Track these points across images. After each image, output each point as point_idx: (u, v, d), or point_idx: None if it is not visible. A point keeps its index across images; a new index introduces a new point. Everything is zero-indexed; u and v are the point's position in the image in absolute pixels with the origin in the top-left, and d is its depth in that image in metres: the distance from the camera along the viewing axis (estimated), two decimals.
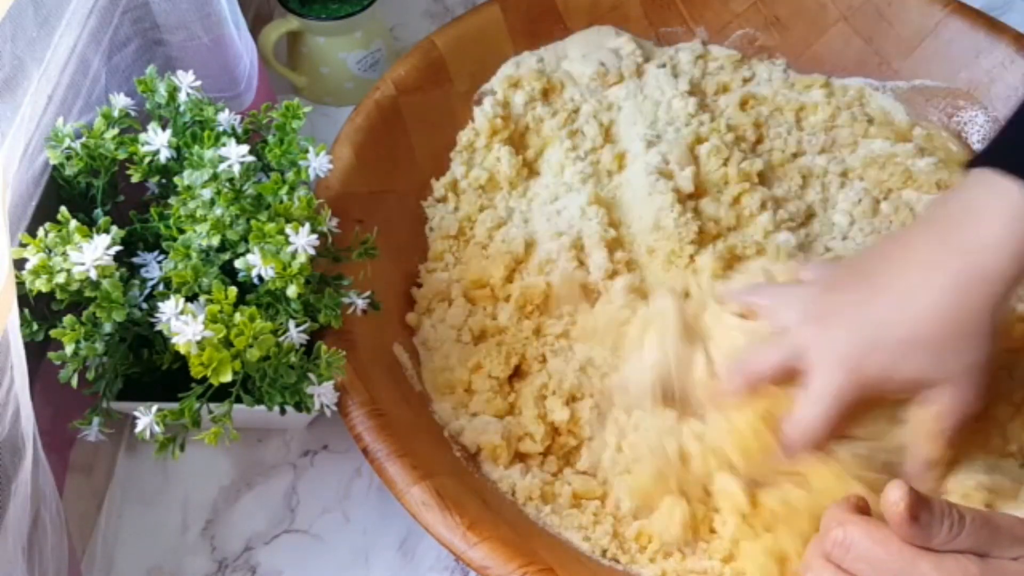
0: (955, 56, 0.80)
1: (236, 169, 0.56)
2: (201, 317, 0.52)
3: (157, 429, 0.54)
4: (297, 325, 0.55)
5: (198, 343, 0.51)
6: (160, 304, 0.53)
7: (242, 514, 0.66)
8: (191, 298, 0.55)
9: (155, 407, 0.54)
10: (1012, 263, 0.54)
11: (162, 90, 0.62)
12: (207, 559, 0.64)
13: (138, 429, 0.54)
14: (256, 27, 0.83)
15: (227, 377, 0.51)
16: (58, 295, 0.53)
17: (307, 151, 0.60)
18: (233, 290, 0.53)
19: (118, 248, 0.54)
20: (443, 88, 0.79)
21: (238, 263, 0.55)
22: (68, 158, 0.60)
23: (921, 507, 0.46)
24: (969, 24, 0.80)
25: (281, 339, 0.54)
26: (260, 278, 0.55)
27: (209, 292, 0.54)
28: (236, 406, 0.56)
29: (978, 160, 0.58)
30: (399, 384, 0.66)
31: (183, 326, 0.51)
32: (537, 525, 0.61)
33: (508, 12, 0.82)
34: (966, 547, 0.47)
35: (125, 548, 0.64)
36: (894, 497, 0.46)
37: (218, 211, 0.56)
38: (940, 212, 0.59)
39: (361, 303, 0.60)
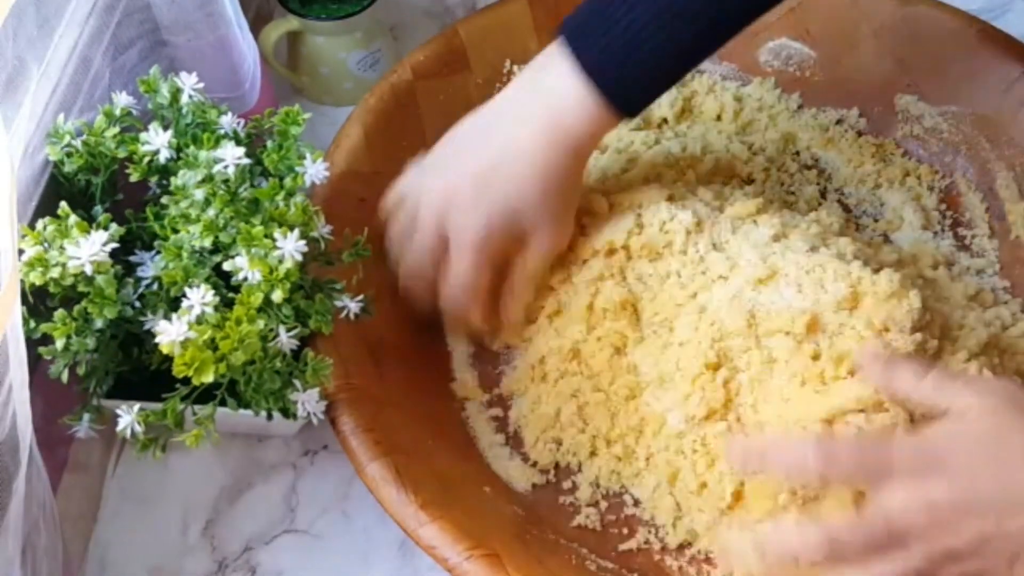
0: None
1: (231, 171, 0.56)
2: (187, 318, 0.52)
3: (138, 429, 0.54)
4: (287, 330, 0.55)
5: (181, 343, 0.51)
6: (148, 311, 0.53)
7: (242, 514, 0.66)
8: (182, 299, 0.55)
9: (137, 406, 0.54)
10: (589, 123, 0.62)
11: (165, 91, 0.62)
12: (207, 559, 0.64)
13: (119, 428, 0.54)
14: (256, 27, 0.82)
15: (209, 378, 0.51)
16: (51, 289, 0.53)
17: (304, 157, 0.60)
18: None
19: (115, 246, 0.54)
20: (461, 76, 0.80)
21: (227, 265, 0.55)
22: (68, 155, 0.60)
23: None
24: None
25: (271, 343, 0.54)
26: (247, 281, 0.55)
27: None
28: (225, 411, 0.56)
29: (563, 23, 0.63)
30: (378, 361, 0.66)
31: (167, 325, 0.51)
32: (498, 511, 0.62)
33: (535, 6, 0.82)
34: None
35: (125, 548, 0.64)
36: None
37: (211, 212, 0.56)
38: (529, 67, 0.66)
39: (354, 307, 0.60)
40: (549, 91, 0.63)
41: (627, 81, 0.62)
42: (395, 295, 0.70)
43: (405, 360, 0.68)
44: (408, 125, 0.77)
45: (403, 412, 0.65)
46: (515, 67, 0.82)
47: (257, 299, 0.53)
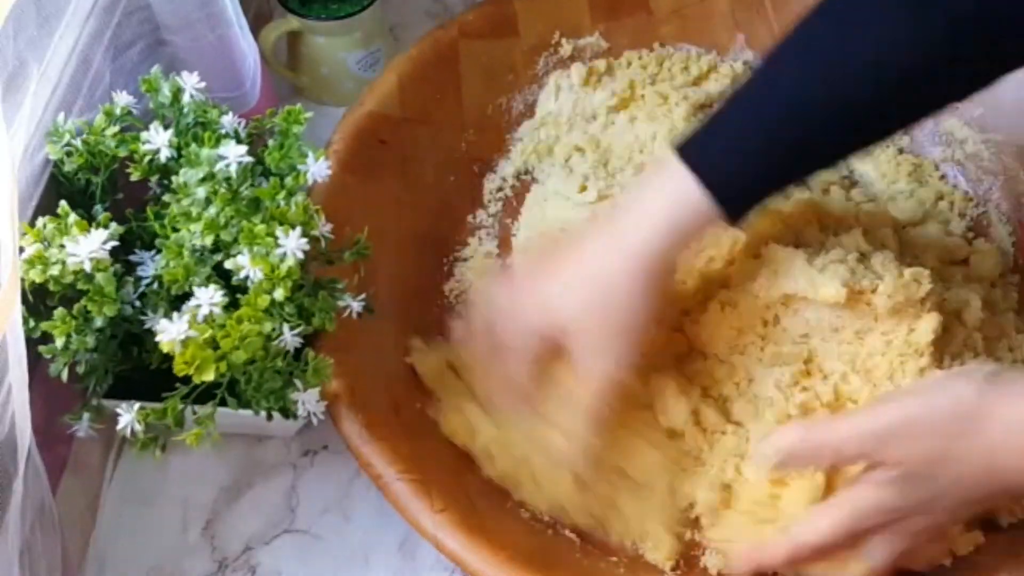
0: None
1: (233, 169, 0.56)
2: (187, 317, 0.52)
3: (138, 428, 0.54)
4: (291, 328, 0.55)
5: (182, 342, 0.51)
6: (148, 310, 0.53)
7: (242, 514, 0.66)
8: (183, 297, 0.55)
9: (137, 405, 0.54)
10: (660, 239, 0.58)
11: (166, 90, 0.62)
12: (207, 559, 0.64)
13: (119, 427, 0.54)
14: (256, 27, 0.82)
15: (209, 376, 0.51)
16: (51, 287, 0.53)
17: (306, 156, 0.60)
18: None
19: (115, 244, 0.54)
20: (508, 41, 0.80)
21: (228, 263, 0.54)
22: (68, 154, 0.60)
23: None
24: None
25: (276, 342, 0.54)
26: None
27: None
28: (225, 411, 0.56)
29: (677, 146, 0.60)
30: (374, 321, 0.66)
31: (168, 324, 0.51)
32: (446, 447, 0.64)
33: None
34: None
35: (125, 548, 0.64)
36: None
37: (212, 211, 0.56)
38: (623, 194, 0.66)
39: (356, 306, 0.60)
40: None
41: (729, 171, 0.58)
42: (399, 253, 0.70)
43: (399, 305, 0.69)
44: (445, 80, 0.78)
45: (379, 348, 0.66)
46: (563, 39, 0.82)
47: (264, 300, 0.53)
